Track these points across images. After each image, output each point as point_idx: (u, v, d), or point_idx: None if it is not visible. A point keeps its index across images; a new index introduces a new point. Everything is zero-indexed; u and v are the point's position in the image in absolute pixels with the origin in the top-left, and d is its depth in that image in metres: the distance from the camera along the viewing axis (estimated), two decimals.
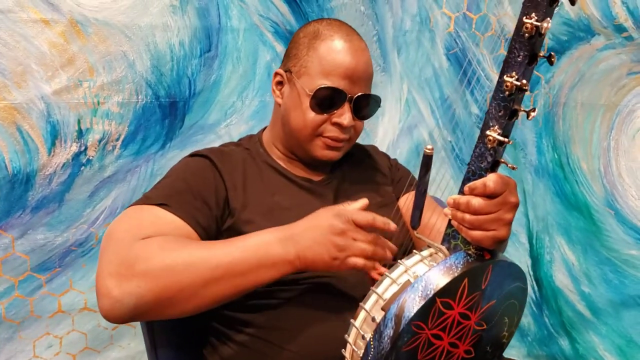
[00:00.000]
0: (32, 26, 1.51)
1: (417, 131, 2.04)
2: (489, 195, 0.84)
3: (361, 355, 0.87)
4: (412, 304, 0.83)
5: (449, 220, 0.91)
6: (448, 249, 0.92)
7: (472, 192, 0.85)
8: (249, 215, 1.12)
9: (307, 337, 1.07)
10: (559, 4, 0.75)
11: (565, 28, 1.81)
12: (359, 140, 1.30)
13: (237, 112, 1.79)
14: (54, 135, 1.57)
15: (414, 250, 0.95)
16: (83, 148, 1.61)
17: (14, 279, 1.60)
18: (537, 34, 0.74)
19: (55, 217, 1.62)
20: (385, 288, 0.90)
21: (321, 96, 1.14)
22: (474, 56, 1.99)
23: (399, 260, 0.92)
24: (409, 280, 0.88)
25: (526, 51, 0.76)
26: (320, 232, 0.95)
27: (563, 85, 1.87)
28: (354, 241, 0.95)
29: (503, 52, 1.98)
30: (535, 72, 1.91)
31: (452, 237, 0.91)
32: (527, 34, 0.75)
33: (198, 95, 1.73)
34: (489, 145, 0.82)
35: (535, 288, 2.05)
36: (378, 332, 0.84)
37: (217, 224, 1.10)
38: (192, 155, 1.22)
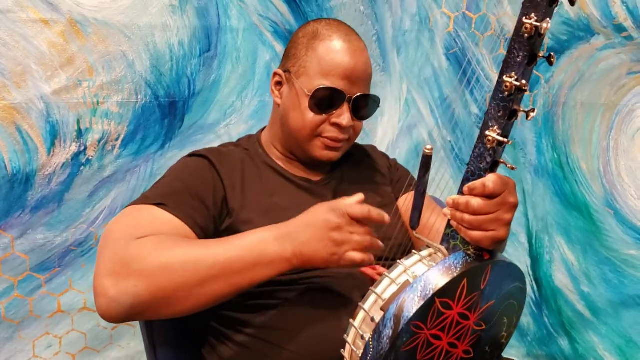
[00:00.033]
0: (32, 26, 1.51)
1: (416, 131, 2.04)
2: (488, 196, 0.84)
3: (360, 355, 0.87)
4: (411, 304, 0.83)
5: (448, 221, 0.91)
6: (447, 249, 0.92)
7: (472, 193, 0.85)
8: (247, 216, 1.12)
9: (306, 338, 1.07)
10: (559, 4, 0.75)
11: (565, 28, 1.81)
12: (358, 140, 1.30)
13: (236, 112, 1.79)
14: (54, 135, 1.57)
15: (413, 251, 0.95)
16: (82, 148, 1.61)
17: (14, 278, 1.60)
18: (537, 35, 0.74)
19: (55, 217, 1.62)
20: (385, 288, 0.90)
21: (320, 96, 1.14)
22: (474, 56, 1.99)
23: (398, 261, 0.92)
24: (408, 280, 0.88)
25: (526, 51, 0.76)
26: (317, 228, 0.94)
27: (563, 85, 1.87)
28: (350, 235, 0.95)
29: (503, 51, 1.98)
30: (534, 71, 1.91)
31: (451, 238, 0.91)
32: (526, 35, 0.75)
33: (197, 95, 1.73)
34: (489, 146, 0.82)
35: (535, 288, 2.05)
36: (377, 332, 0.84)
37: (215, 224, 1.10)
38: (191, 155, 1.22)
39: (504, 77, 0.78)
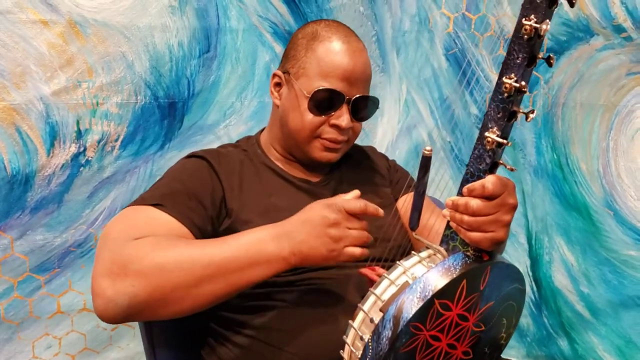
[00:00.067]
0: (31, 27, 1.51)
1: (416, 131, 2.04)
2: (488, 197, 0.84)
3: (359, 356, 0.87)
4: (411, 305, 0.83)
5: (448, 222, 0.91)
6: (446, 250, 0.92)
7: (471, 194, 0.85)
8: (246, 216, 1.12)
9: (305, 339, 1.07)
10: (558, 5, 0.75)
11: (564, 28, 1.81)
12: (358, 141, 1.31)
13: (236, 112, 1.79)
14: (53, 136, 1.57)
15: (413, 252, 0.95)
16: (82, 149, 1.61)
17: (13, 279, 1.60)
18: (536, 36, 0.74)
19: (55, 217, 1.62)
20: (384, 289, 0.90)
21: (319, 98, 1.14)
22: (473, 56, 1.99)
23: (397, 262, 0.92)
24: (407, 281, 0.88)
25: (525, 53, 0.76)
26: (314, 225, 0.94)
27: (562, 86, 1.87)
28: (348, 230, 0.95)
29: (502, 52, 1.98)
30: (534, 72, 1.91)
31: (450, 239, 0.91)
32: (526, 36, 0.75)
33: (197, 96, 1.73)
34: (488, 147, 0.82)
35: (535, 288, 2.05)
36: (376, 333, 0.85)
37: (213, 225, 1.10)
38: (189, 156, 1.22)
39: (504, 79, 0.78)
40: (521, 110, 0.81)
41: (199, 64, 1.72)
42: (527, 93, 1.90)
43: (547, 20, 0.73)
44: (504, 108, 0.80)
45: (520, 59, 0.77)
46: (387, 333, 0.83)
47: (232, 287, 0.94)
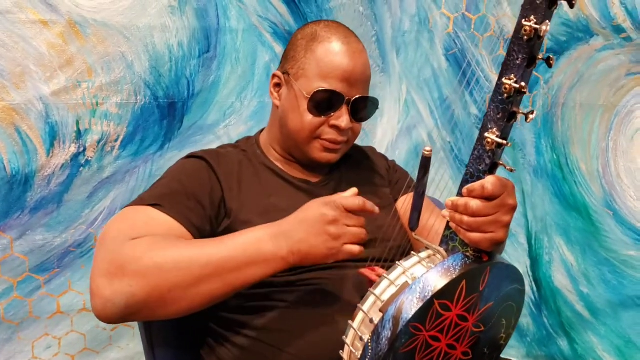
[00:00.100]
0: (31, 27, 1.51)
1: (416, 132, 2.04)
2: (487, 198, 0.84)
3: (359, 356, 0.87)
4: (410, 306, 0.83)
5: (447, 222, 0.91)
6: (446, 250, 0.92)
7: (471, 194, 0.85)
8: (246, 217, 1.12)
9: (305, 339, 1.07)
10: (558, 6, 0.75)
11: (564, 29, 1.81)
12: (358, 141, 1.31)
13: (236, 112, 1.79)
14: (53, 136, 1.57)
15: (412, 252, 0.95)
16: (82, 149, 1.61)
17: (13, 279, 1.60)
18: (536, 37, 0.74)
19: (54, 218, 1.62)
20: (384, 289, 0.90)
21: (319, 99, 1.14)
22: (473, 57, 1.99)
23: (397, 262, 0.92)
24: (407, 281, 0.88)
25: (525, 54, 0.76)
26: (312, 223, 0.94)
27: (562, 86, 1.87)
28: (347, 227, 0.95)
29: (502, 52, 1.98)
30: (534, 72, 1.91)
31: (450, 239, 0.91)
32: (526, 37, 0.75)
33: (197, 96, 1.73)
34: (488, 148, 0.82)
35: (534, 288, 2.05)
36: (376, 333, 0.85)
37: (211, 225, 1.10)
38: (188, 156, 1.22)
39: (503, 79, 0.78)
40: (521, 111, 0.81)
41: (198, 64, 1.72)
42: (527, 93, 1.90)
43: (547, 21, 0.73)
44: (504, 109, 0.80)
45: (520, 59, 0.77)
46: (387, 333, 0.83)
47: (230, 286, 0.94)
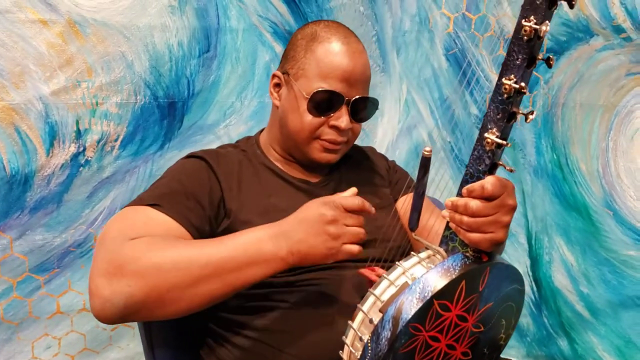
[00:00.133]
0: (30, 26, 1.51)
1: (416, 132, 2.04)
2: (487, 198, 0.84)
3: (359, 357, 0.87)
4: (410, 306, 0.83)
5: (447, 222, 0.91)
6: (446, 251, 0.92)
7: (470, 195, 0.85)
8: (245, 217, 1.12)
9: (305, 340, 1.07)
10: (558, 6, 0.75)
11: (564, 29, 1.81)
12: (358, 141, 1.30)
13: (236, 112, 1.79)
14: (53, 136, 1.57)
15: (412, 252, 0.95)
16: (81, 149, 1.61)
17: (13, 279, 1.60)
18: (536, 37, 0.74)
19: (54, 218, 1.62)
20: (383, 290, 0.90)
21: (318, 99, 1.14)
22: (473, 57, 1.99)
23: (396, 262, 0.92)
24: (406, 282, 0.88)
25: (525, 54, 0.76)
26: (312, 223, 0.94)
27: (562, 86, 1.87)
28: (346, 227, 0.95)
29: (502, 52, 1.98)
30: (534, 72, 1.91)
31: (450, 239, 0.91)
32: (525, 37, 0.75)
33: (197, 96, 1.73)
34: (487, 148, 0.82)
35: (535, 288, 2.05)
36: (375, 333, 0.85)
37: (211, 225, 1.10)
38: (188, 156, 1.22)
39: (503, 80, 0.78)
40: (521, 112, 0.81)
41: (198, 64, 1.72)
42: (528, 94, 1.90)
43: (547, 22, 0.73)
44: (504, 109, 0.80)
45: (519, 60, 0.77)
46: (386, 334, 0.83)
47: (229, 287, 0.93)
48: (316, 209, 0.95)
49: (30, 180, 1.57)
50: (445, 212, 0.90)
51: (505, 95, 0.79)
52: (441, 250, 0.92)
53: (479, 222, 0.85)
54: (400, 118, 2.03)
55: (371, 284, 0.93)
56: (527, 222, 2.05)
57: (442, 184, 1.97)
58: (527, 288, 2.06)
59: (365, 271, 1.01)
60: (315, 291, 1.09)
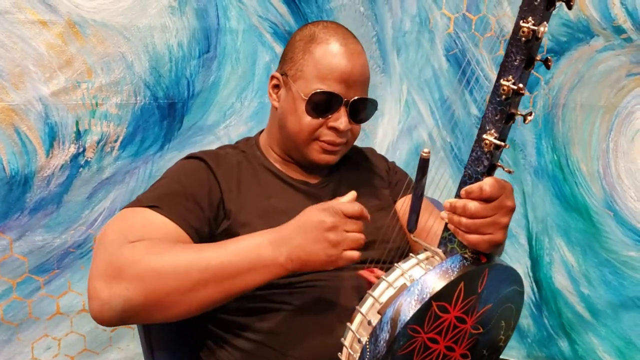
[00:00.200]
0: (30, 27, 1.51)
1: (416, 132, 2.04)
2: (486, 199, 0.84)
3: (357, 358, 0.87)
4: (408, 308, 0.83)
5: (446, 224, 0.91)
6: (444, 252, 0.92)
7: (469, 196, 0.85)
8: (245, 218, 1.11)
9: (304, 341, 1.07)
10: (557, 7, 0.75)
11: (565, 29, 1.81)
12: (358, 141, 1.30)
13: (236, 113, 1.79)
14: (52, 137, 1.57)
15: (411, 254, 0.95)
16: (81, 149, 1.61)
17: (12, 280, 1.60)
18: (534, 38, 0.74)
19: (54, 218, 1.61)
20: (382, 291, 0.90)
21: (317, 100, 1.14)
22: (474, 57, 1.99)
23: (395, 264, 0.92)
24: (405, 283, 0.88)
25: (523, 55, 0.76)
26: (311, 229, 0.93)
27: (562, 87, 1.87)
28: (346, 233, 0.94)
29: (502, 53, 1.97)
30: (534, 73, 1.91)
31: (448, 241, 0.91)
32: (523, 38, 0.75)
33: (197, 97, 1.73)
34: (486, 149, 0.82)
35: (535, 289, 2.05)
36: (374, 335, 0.84)
37: (210, 227, 1.10)
38: (187, 157, 1.22)
39: (501, 81, 0.78)
40: (519, 113, 0.81)
41: (198, 65, 1.72)
42: (528, 94, 1.90)
43: (545, 23, 0.73)
44: (502, 110, 0.80)
45: (518, 61, 0.76)
46: (385, 335, 0.83)
47: (228, 292, 0.93)
48: (316, 215, 0.95)
49: (30, 181, 1.57)
50: (444, 214, 0.90)
51: (504, 97, 0.78)
52: (440, 251, 0.92)
53: (477, 224, 0.85)
54: (400, 119, 2.03)
55: (370, 285, 0.93)
56: (527, 223, 2.05)
57: (442, 184, 1.97)
58: (528, 289, 2.06)
59: (364, 273, 1.00)
60: (315, 292, 1.09)
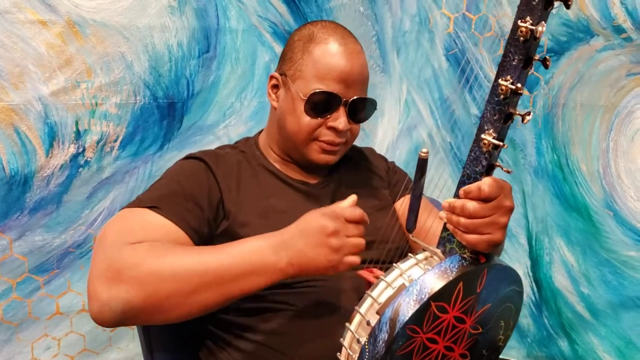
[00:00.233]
0: (30, 27, 1.51)
1: (416, 132, 2.04)
2: (484, 199, 0.84)
3: (356, 359, 0.87)
4: (407, 308, 0.83)
5: (445, 224, 0.91)
6: (443, 252, 0.91)
7: (467, 196, 0.85)
8: (244, 218, 1.11)
9: (304, 342, 1.07)
10: (555, 7, 0.75)
11: (565, 29, 1.81)
12: (358, 141, 1.30)
13: (235, 113, 1.79)
14: (52, 137, 1.57)
15: (409, 254, 0.95)
16: (81, 149, 1.61)
17: (12, 280, 1.60)
18: (532, 38, 0.74)
19: (53, 218, 1.61)
20: (381, 292, 0.89)
21: (316, 100, 1.13)
22: (473, 57, 1.99)
23: (394, 264, 0.92)
24: (404, 283, 0.88)
25: (521, 55, 0.76)
26: (312, 234, 0.93)
27: (562, 86, 1.87)
28: (347, 239, 0.94)
29: (502, 52, 1.98)
30: (534, 72, 1.91)
31: (447, 241, 0.91)
32: (521, 38, 0.75)
33: (196, 96, 1.73)
34: (484, 149, 0.82)
35: (535, 289, 2.05)
36: (373, 335, 0.84)
37: (209, 227, 1.10)
38: (187, 157, 1.22)
39: (500, 80, 0.78)
40: (517, 112, 0.81)
41: (198, 64, 1.72)
42: (527, 93, 1.90)
43: (543, 22, 0.73)
44: (500, 110, 0.80)
45: (516, 60, 0.76)
46: (384, 336, 0.83)
47: (228, 295, 0.93)
48: (317, 220, 0.94)
49: (29, 181, 1.57)
50: (443, 214, 0.90)
51: (502, 96, 0.78)
52: (438, 251, 0.92)
53: (476, 224, 0.85)
54: (400, 118, 2.02)
55: (369, 285, 0.93)
56: (527, 222, 2.05)
57: (442, 184, 1.97)
58: (528, 289, 2.06)
59: (364, 273, 1.00)
60: (315, 293, 1.09)
